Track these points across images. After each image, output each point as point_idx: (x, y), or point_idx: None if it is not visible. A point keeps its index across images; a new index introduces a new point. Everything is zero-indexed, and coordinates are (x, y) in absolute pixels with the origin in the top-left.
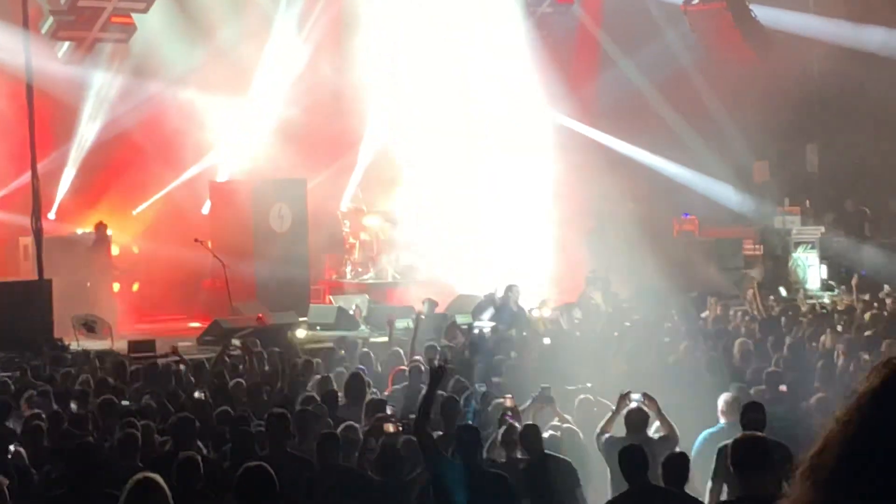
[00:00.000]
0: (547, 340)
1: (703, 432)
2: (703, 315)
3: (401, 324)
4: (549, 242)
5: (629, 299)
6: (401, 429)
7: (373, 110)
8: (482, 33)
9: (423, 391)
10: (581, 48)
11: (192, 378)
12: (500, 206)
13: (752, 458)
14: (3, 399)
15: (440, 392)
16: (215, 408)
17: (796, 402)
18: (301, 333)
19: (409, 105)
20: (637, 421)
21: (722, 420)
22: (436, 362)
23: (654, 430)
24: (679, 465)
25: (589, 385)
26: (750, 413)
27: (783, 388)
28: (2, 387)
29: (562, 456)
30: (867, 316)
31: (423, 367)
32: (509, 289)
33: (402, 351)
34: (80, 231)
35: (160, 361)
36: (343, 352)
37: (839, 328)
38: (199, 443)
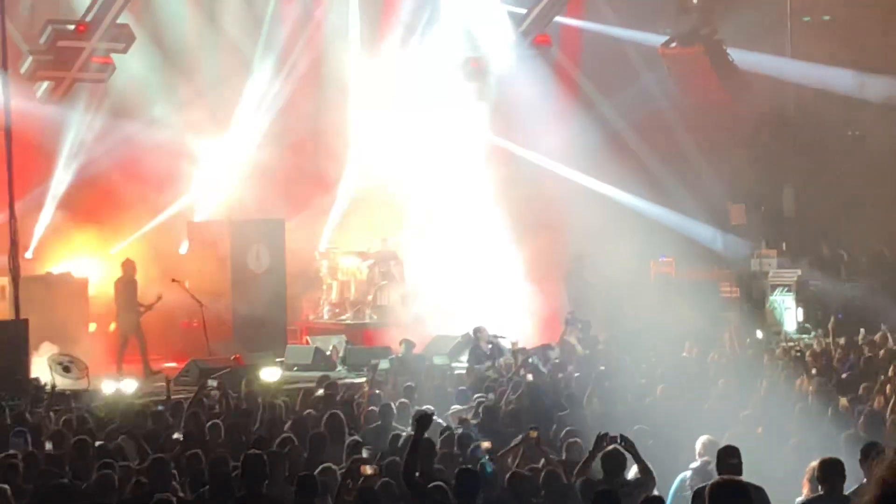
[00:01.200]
0: (530, 377)
1: (679, 475)
2: (681, 356)
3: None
4: (526, 282)
5: (606, 341)
6: (378, 471)
7: (351, 151)
8: (457, 75)
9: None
10: (559, 89)
11: (170, 418)
12: (477, 247)
13: (730, 502)
14: None
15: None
16: (191, 449)
17: (774, 445)
18: (274, 375)
19: (385, 146)
20: (614, 464)
21: (699, 462)
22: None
23: (632, 472)
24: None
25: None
26: (726, 457)
27: (759, 429)
28: None
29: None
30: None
31: (392, 407)
32: (477, 330)
33: (381, 393)
34: (55, 271)
35: (137, 402)
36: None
37: (814, 371)
38: (176, 484)
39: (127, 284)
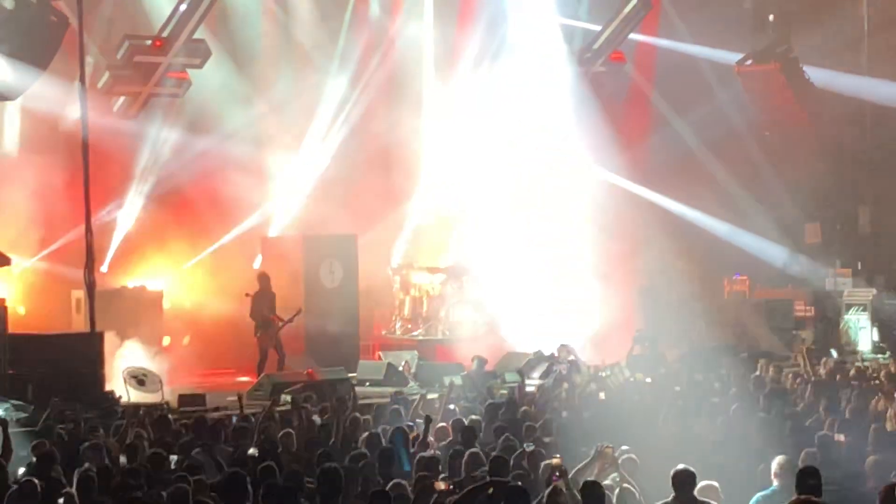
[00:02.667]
0: (602, 395)
1: (755, 495)
2: (754, 375)
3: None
4: (600, 300)
5: (679, 359)
6: (451, 487)
7: (424, 168)
8: (535, 93)
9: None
10: (633, 107)
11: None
12: (551, 264)
13: None
14: (49, 449)
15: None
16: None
17: (851, 466)
18: None
19: (460, 163)
20: (683, 481)
21: (775, 482)
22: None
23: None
24: None
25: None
26: (806, 478)
27: (841, 437)
28: (52, 437)
29: None
30: None
31: (464, 422)
32: (562, 348)
33: (455, 408)
34: (130, 285)
35: (210, 416)
36: (399, 407)
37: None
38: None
39: (263, 297)
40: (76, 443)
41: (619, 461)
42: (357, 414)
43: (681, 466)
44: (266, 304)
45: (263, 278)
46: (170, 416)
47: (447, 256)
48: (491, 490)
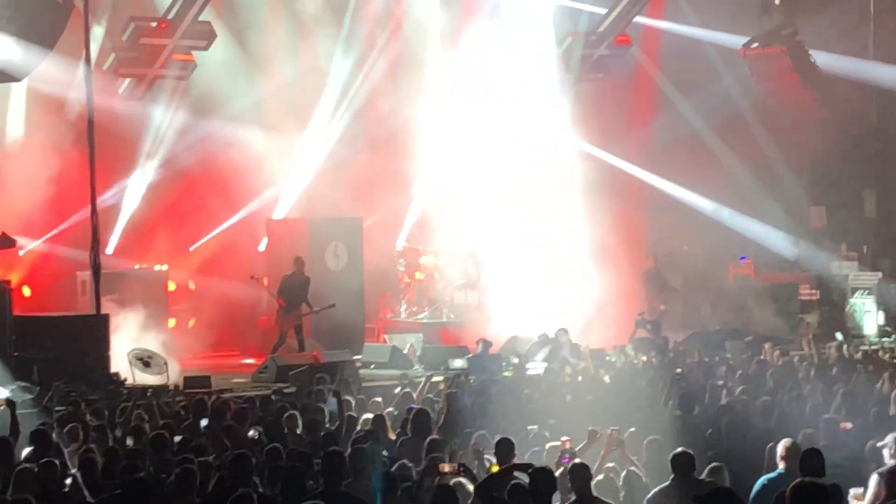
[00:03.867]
0: (607, 378)
1: (761, 478)
2: (759, 358)
3: (455, 364)
4: (604, 283)
5: (683, 342)
6: (457, 468)
7: (428, 151)
8: (538, 76)
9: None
10: (639, 90)
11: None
12: (555, 247)
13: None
14: (43, 432)
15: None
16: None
17: (856, 448)
18: None
19: (464, 146)
20: (683, 463)
21: (781, 465)
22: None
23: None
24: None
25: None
26: (809, 460)
27: (848, 425)
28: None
29: (607, 500)
30: None
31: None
32: (561, 332)
33: (457, 392)
34: (137, 266)
35: (213, 397)
36: (407, 389)
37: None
38: (255, 479)
39: (295, 280)
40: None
41: (644, 444)
42: (362, 396)
43: (680, 450)
44: (298, 288)
45: (298, 262)
46: (175, 398)
47: (452, 239)
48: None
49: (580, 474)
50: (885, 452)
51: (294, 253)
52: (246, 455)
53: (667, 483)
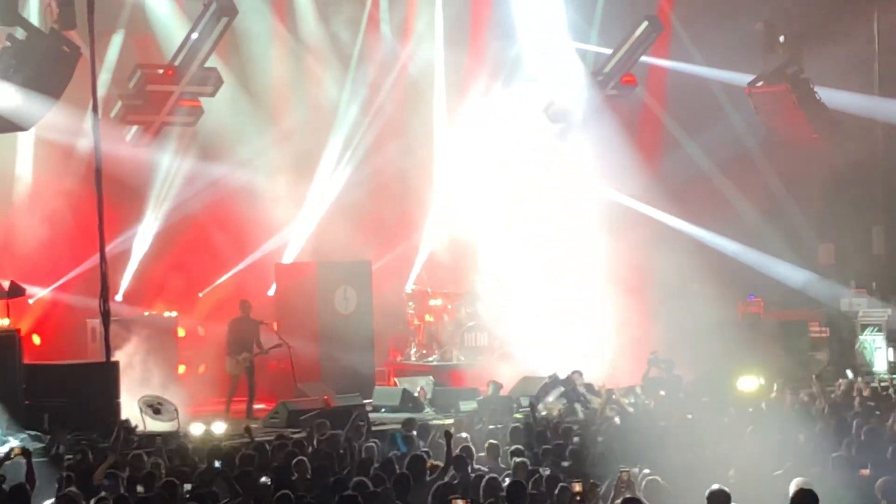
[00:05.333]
0: (617, 420)
1: None
2: (770, 396)
3: (465, 406)
4: (614, 323)
5: (693, 381)
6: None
7: (437, 193)
8: (545, 116)
9: None
10: (645, 129)
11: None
12: (565, 286)
13: None
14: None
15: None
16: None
17: (870, 488)
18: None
19: (471, 188)
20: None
21: None
22: None
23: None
24: None
25: (647, 471)
26: (802, 499)
27: (865, 472)
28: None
29: None
30: None
31: (473, 450)
32: (576, 375)
33: (468, 436)
34: (146, 313)
35: (226, 444)
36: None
37: None
38: None
39: (243, 324)
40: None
41: (643, 484)
42: (374, 441)
43: (716, 486)
44: (246, 333)
45: (244, 305)
46: (188, 444)
47: (461, 282)
48: None
49: None
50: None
51: (303, 297)
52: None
53: None
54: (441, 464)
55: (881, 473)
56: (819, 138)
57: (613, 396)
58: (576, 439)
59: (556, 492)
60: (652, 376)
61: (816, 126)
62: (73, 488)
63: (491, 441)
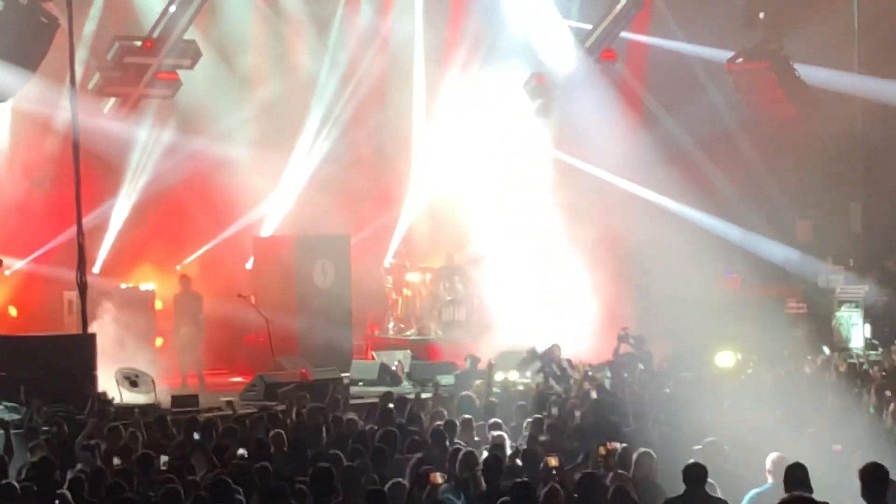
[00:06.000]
0: (594, 394)
1: (750, 492)
2: (748, 372)
3: (444, 380)
4: (592, 298)
5: (670, 357)
6: (447, 479)
7: (416, 167)
8: (522, 91)
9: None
10: (624, 105)
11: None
12: (542, 262)
13: None
14: (46, 456)
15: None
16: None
17: (847, 463)
18: None
19: (450, 162)
20: (694, 476)
21: (770, 479)
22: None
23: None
24: None
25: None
26: (794, 472)
27: (838, 447)
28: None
29: None
30: None
31: (456, 424)
32: (550, 348)
33: (444, 411)
34: (123, 285)
35: (202, 416)
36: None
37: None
38: (241, 497)
39: (182, 299)
40: (68, 444)
41: (634, 457)
42: (352, 415)
43: (692, 461)
44: (188, 306)
45: (185, 280)
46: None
47: (440, 256)
48: None
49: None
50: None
51: (281, 270)
52: (225, 477)
53: (679, 494)
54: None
55: (852, 450)
56: (798, 115)
57: (590, 372)
58: (555, 411)
59: (533, 466)
60: (622, 352)
61: (796, 103)
62: (45, 453)
63: (465, 416)
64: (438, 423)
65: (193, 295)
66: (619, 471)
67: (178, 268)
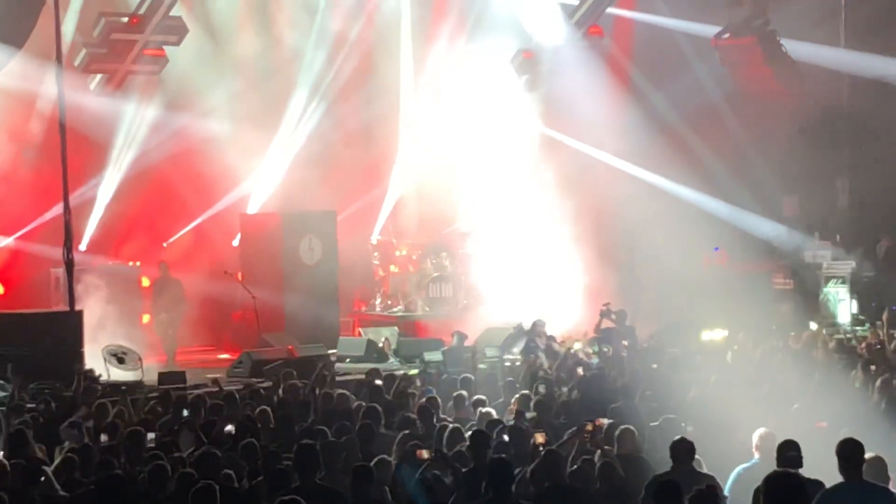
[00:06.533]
0: (580, 371)
1: (737, 468)
2: (734, 348)
3: (430, 356)
4: (578, 273)
5: (656, 333)
6: (434, 456)
7: (403, 143)
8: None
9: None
10: (611, 81)
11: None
12: (529, 238)
13: (786, 495)
14: (20, 428)
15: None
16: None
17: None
18: None
19: (437, 138)
20: (682, 453)
21: (756, 455)
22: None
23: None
24: (709, 500)
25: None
26: (786, 451)
27: (823, 424)
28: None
29: (582, 487)
30: None
31: (439, 400)
32: (535, 324)
33: (432, 388)
34: (110, 263)
35: (190, 393)
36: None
37: (872, 367)
38: (231, 473)
39: (161, 285)
40: (54, 421)
41: (616, 433)
42: (342, 390)
43: (678, 437)
44: (166, 291)
45: (163, 266)
46: (149, 394)
47: (427, 232)
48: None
49: (554, 461)
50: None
51: (268, 247)
52: (213, 452)
53: (667, 471)
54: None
55: (839, 425)
56: (785, 90)
57: (574, 349)
58: (542, 389)
59: (520, 443)
60: (604, 327)
61: (782, 78)
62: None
63: (460, 392)
64: (424, 399)
65: (173, 281)
66: (606, 447)
67: (164, 245)
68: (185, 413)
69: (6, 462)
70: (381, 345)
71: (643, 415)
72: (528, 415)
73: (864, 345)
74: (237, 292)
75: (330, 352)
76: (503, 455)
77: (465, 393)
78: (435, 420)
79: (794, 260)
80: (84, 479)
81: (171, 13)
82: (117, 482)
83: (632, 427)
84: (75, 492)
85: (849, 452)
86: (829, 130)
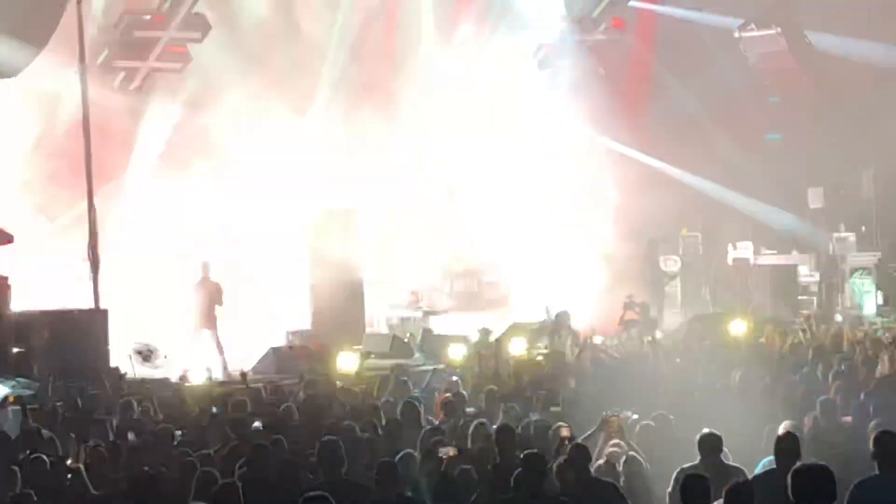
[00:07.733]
0: (589, 366)
1: (762, 459)
2: (759, 340)
3: (454, 352)
4: (603, 266)
5: (682, 326)
6: (459, 452)
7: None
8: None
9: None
10: (634, 74)
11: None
12: (553, 232)
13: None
14: (28, 430)
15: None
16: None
17: (857, 432)
18: (352, 363)
19: (460, 134)
20: (709, 447)
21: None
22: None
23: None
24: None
25: (635, 416)
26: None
27: (847, 419)
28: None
29: (609, 480)
30: None
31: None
32: (559, 315)
33: (458, 379)
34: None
35: (218, 390)
36: (405, 379)
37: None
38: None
39: (202, 285)
40: (81, 419)
41: (636, 429)
42: (362, 386)
43: (706, 431)
44: (207, 292)
45: (205, 266)
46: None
47: (452, 228)
48: None
49: (580, 455)
50: None
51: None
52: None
53: (694, 463)
54: None
55: (863, 419)
56: (809, 82)
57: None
58: (573, 383)
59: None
60: (628, 318)
61: (807, 69)
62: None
63: (490, 387)
64: (448, 394)
65: (212, 282)
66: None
67: None
68: (214, 410)
69: (34, 459)
70: (406, 340)
71: (666, 410)
72: (553, 409)
73: (888, 335)
74: None
75: (356, 347)
76: (535, 450)
77: (495, 388)
78: (460, 415)
79: (819, 252)
80: (113, 477)
81: (193, 10)
82: (148, 479)
83: (651, 423)
84: (106, 490)
85: (885, 445)
86: (854, 122)
